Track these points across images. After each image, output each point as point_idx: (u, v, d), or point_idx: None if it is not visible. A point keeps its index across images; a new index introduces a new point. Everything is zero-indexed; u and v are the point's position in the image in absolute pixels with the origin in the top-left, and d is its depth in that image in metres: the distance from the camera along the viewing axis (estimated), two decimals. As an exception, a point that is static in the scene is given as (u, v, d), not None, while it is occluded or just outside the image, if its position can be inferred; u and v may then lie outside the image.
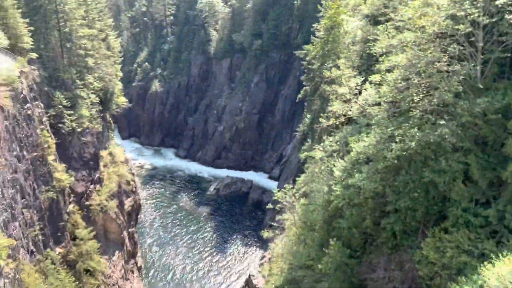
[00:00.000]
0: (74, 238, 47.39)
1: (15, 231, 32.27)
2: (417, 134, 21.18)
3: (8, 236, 29.61)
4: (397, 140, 22.58)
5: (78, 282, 43.26)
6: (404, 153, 21.68)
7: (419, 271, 19.98)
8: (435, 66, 21.86)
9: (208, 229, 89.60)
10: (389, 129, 23.94)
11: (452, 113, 21.19)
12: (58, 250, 42.97)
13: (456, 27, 20.84)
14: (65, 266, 42.62)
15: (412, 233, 22.43)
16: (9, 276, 27.95)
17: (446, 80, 21.26)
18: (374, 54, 31.23)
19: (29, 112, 38.79)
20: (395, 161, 22.38)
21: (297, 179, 60.01)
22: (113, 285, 56.25)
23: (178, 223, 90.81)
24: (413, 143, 21.14)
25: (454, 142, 20.26)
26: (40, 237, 38.19)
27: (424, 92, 22.31)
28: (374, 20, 39.15)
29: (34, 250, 36.70)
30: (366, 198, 24.71)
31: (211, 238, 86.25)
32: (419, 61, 22.23)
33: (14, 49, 43.19)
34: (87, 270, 47.32)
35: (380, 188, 23.49)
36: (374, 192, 24.14)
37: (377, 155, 24.30)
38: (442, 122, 20.77)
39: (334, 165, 31.44)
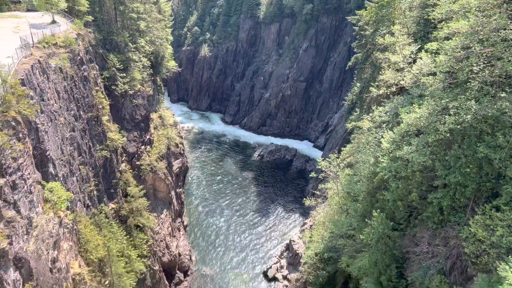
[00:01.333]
0: (125, 195, 50.15)
1: (73, 186, 34.64)
2: (474, 106, 20.03)
3: (67, 190, 31.88)
4: (451, 112, 21.50)
5: (129, 236, 46.12)
6: (458, 126, 20.66)
7: (465, 248, 19.42)
8: (500, 34, 20.28)
9: (252, 193, 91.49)
10: (443, 101, 22.81)
11: (515, 86, 19.80)
12: (111, 205, 45.76)
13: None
14: (117, 221, 45.44)
15: (460, 209, 21.68)
16: (68, 226, 30.30)
17: (511, 50, 19.73)
18: (433, 21, 29.41)
19: (85, 73, 40.54)
20: (448, 135, 21.42)
21: (342, 149, 59.29)
22: (161, 241, 59.50)
23: (223, 186, 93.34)
24: (468, 116, 20.05)
25: (514, 117, 19.03)
26: (95, 192, 40.77)
27: (485, 62, 20.88)
28: (435, -17, 36.59)
29: (90, 204, 39.33)
30: (414, 172, 24.03)
31: (254, 202, 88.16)
32: (482, 28, 20.70)
33: (71, 12, 44.85)
34: (137, 226, 50.24)
35: (430, 162, 22.70)
36: (422, 166, 23.40)
37: (428, 128, 23.36)
38: (503, 94, 19.47)
39: (382, 137, 30.66)
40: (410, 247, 25.05)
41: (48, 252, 25.72)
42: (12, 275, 21.63)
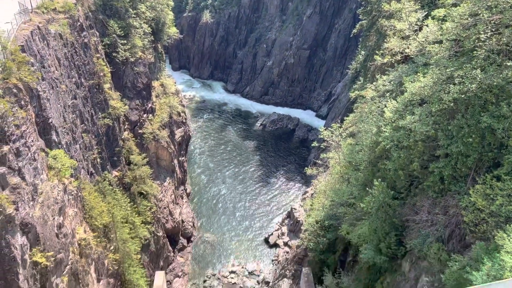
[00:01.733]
0: (129, 163, 50.55)
1: (76, 153, 34.89)
2: (479, 76, 19.76)
3: (70, 157, 32.13)
4: (456, 81, 21.25)
5: (133, 203, 46.85)
6: (463, 95, 20.46)
7: (464, 217, 19.68)
8: (509, 1, 19.74)
9: (254, 162, 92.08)
10: (448, 70, 22.50)
11: (522, 54, 19.44)
12: (115, 173, 46.22)
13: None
14: (121, 188, 46.04)
15: (461, 179, 21.81)
16: (72, 193, 30.75)
17: (520, 17, 19.25)
18: (441, -14, 28.58)
19: (86, 40, 39.97)
20: (451, 104, 21.25)
21: (345, 118, 59.11)
22: (164, 208, 60.48)
23: (225, 155, 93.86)
24: (473, 86, 19.82)
25: (520, 86, 18.79)
26: (98, 160, 41.10)
27: (493, 30, 20.42)
28: None
29: (93, 171, 39.74)
30: (416, 141, 24.02)
31: (256, 171, 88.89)
32: (492, -6, 20.14)
33: (69, -24, 43.71)
34: (140, 193, 50.94)
35: (432, 132, 22.65)
36: (425, 135, 23.36)
37: (432, 97, 23.16)
38: (509, 63, 19.16)
39: (385, 106, 30.48)
40: (409, 215, 25.39)
41: (54, 218, 26.23)
42: (20, 239, 22.16)
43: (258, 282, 62.01)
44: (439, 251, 21.36)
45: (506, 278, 14.03)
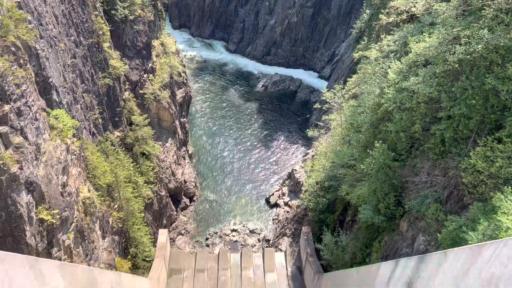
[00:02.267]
0: (130, 123, 50.62)
1: (77, 113, 34.85)
2: (486, 36, 19.30)
3: (72, 117, 32.13)
4: (462, 42, 20.80)
5: (135, 163, 47.35)
6: (468, 56, 20.08)
7: (464, 178, 19.87)
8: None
9: (255, 124, 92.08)
10: (455, 30, 21.96)
11: (532, 14, 18.88)
12: (116, 133, 46.38)
13: None
14: (123, 149, 46.37)
15: (462, 141, 21.84)
16: (75, 153, 30.99)
17: (532, -26, 18.56)
18: None
19: (83, -3, 38.88)
20: (456, 65, 20.90)
21: (348, 79, 58.46)
22: (167, 168, 61.17)
23: (227, 116, 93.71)
24: (479, 46, 19.40)
25: (527, 47, 18.40)
26: (99, 120, 41.12)
27: (504, -13, 19.74)
28: None
29: (95, 132, 39.86)
30: (419, 103, 23.85)
31: (257, 133, 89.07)
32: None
33: None
34: (143, 154, 51.36)
35: (435, 93, 22.43)
36: (428, 97, 23.16)
37: (437, 58, 22.76)
38: (518, 23, 18.69)
39: (389, 67, 30.04)
40: (409, 177, 25.66)
41: (58, 177, 26.60)
42: (25, 198, 22.59)
43: (259, 240, 63.73)
44: (437, 212, 21.75)
45: (501, 238, 14.35)
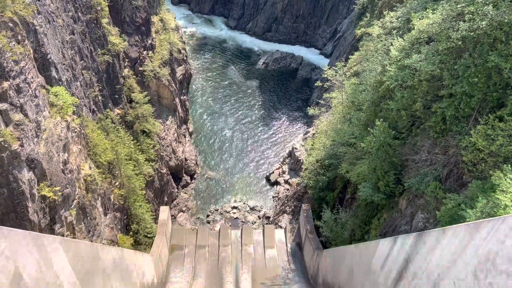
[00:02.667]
0: (130, 101, 50.40)
1: (77, 91, 34.65)
2: (491, 12, 18.99)
3: (71, 94, 31.96)
4: (466, 18, 20.47)
5: (136, 141, 47.38)
6: (472, 33, 19.80)
7: (464, 156, 19.91)
8: None
9: (256, 102, 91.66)
10: (459, 6, 21.57)
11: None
12: (117, 111, 46.25)
13: None
14: (123, 126, 46.33)
15: (463, 119, 21.78)
16: (76, 130, 30.97)
17: None
18: None
19: (80, -29, 38.07)
20: (459, 43, 20.63)
21: (350, 57, 57.86)
22: (167, 146, 61.27)
23: (227, 94, 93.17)
24: (484, 23, 19.11)
25: (532, 24, 18.10)
26: (99, 97, 40.92)
27: (510, -38, 19.27)
28: None
29: (95, 109, 39.73)
30: (421, 81, 23.66)
31: (258, 111, 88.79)
32: None
33: None
34: (143, 131, 51.34)
35: (438, 71, 22.23)
36: (430, 75, 22.96)
37: (440, 35, 22.45)
38: (524, -1, 18.34)
39: (391, 44, 29.67)
40: (409, 155, 25.71)
41: (59, 154, 26.67)
42: (27, 175, 22.71)
43: (259, 217, 64.44)
44: (436, 190, 21.89)
45: (499, 215, 14.48)
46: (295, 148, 71.79)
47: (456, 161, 21.52)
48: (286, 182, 68.88)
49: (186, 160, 69.10)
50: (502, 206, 15.09)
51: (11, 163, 21.57)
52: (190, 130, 78.65)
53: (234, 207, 66.12)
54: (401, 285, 15.28)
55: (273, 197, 68.23)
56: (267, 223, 58.64)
